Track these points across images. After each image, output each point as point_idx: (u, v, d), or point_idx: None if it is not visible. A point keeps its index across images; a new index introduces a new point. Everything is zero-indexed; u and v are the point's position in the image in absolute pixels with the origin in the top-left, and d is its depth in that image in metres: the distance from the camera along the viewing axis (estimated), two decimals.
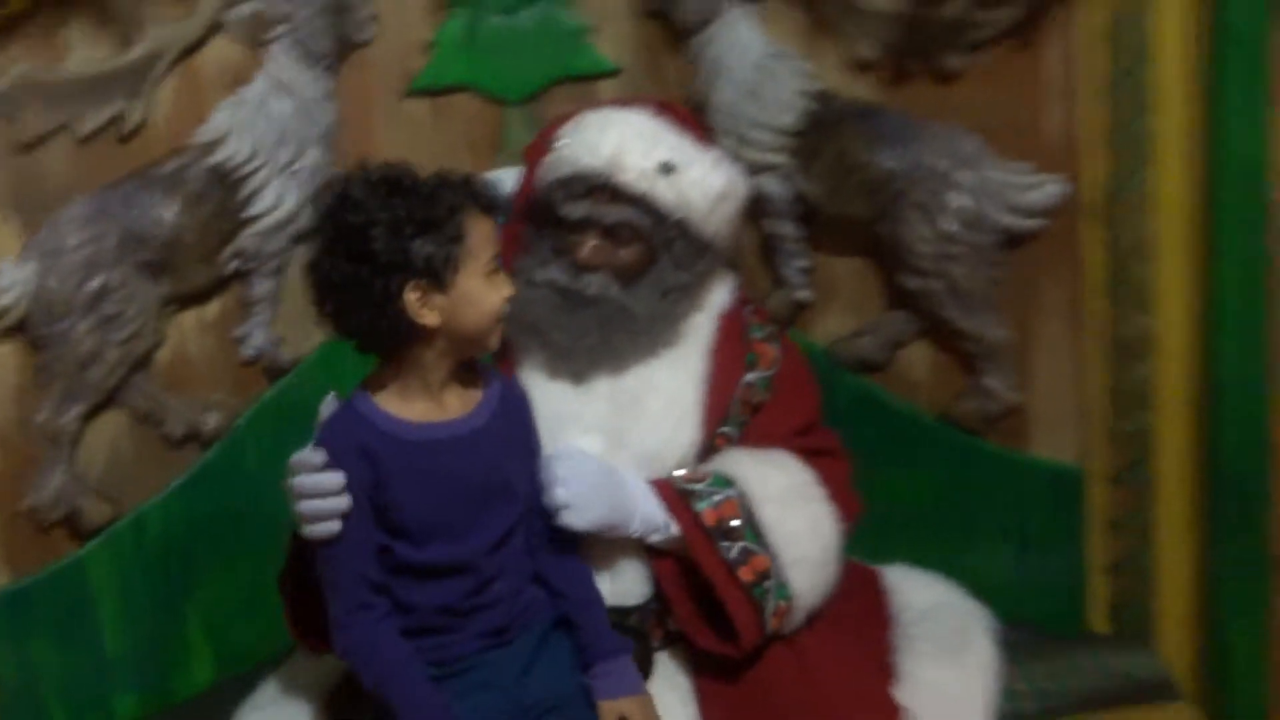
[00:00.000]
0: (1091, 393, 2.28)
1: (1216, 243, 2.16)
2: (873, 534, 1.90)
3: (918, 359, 2.38)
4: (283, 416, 2.43)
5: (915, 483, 2.37)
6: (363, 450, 1.55)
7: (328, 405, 1.64)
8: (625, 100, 1.98)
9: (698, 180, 1.88)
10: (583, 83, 2.42)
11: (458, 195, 1.59)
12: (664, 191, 1.83)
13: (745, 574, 1.74)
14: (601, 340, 1.86)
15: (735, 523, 1.75)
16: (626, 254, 1.87)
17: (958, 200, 2.32)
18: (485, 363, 1.69)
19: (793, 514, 1.81)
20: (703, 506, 1.75)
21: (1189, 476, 2.21)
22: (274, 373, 2.45)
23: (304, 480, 1.56)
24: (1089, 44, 2.21)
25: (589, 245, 1.85)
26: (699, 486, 1.76)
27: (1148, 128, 2.21)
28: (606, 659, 1.67)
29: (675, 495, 1.74)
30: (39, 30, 2.05)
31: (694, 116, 2.06)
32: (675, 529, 1.72)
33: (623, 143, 1.86)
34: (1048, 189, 2.33)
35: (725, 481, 1.77)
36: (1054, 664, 2.15)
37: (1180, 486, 2.23)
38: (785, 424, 1.93)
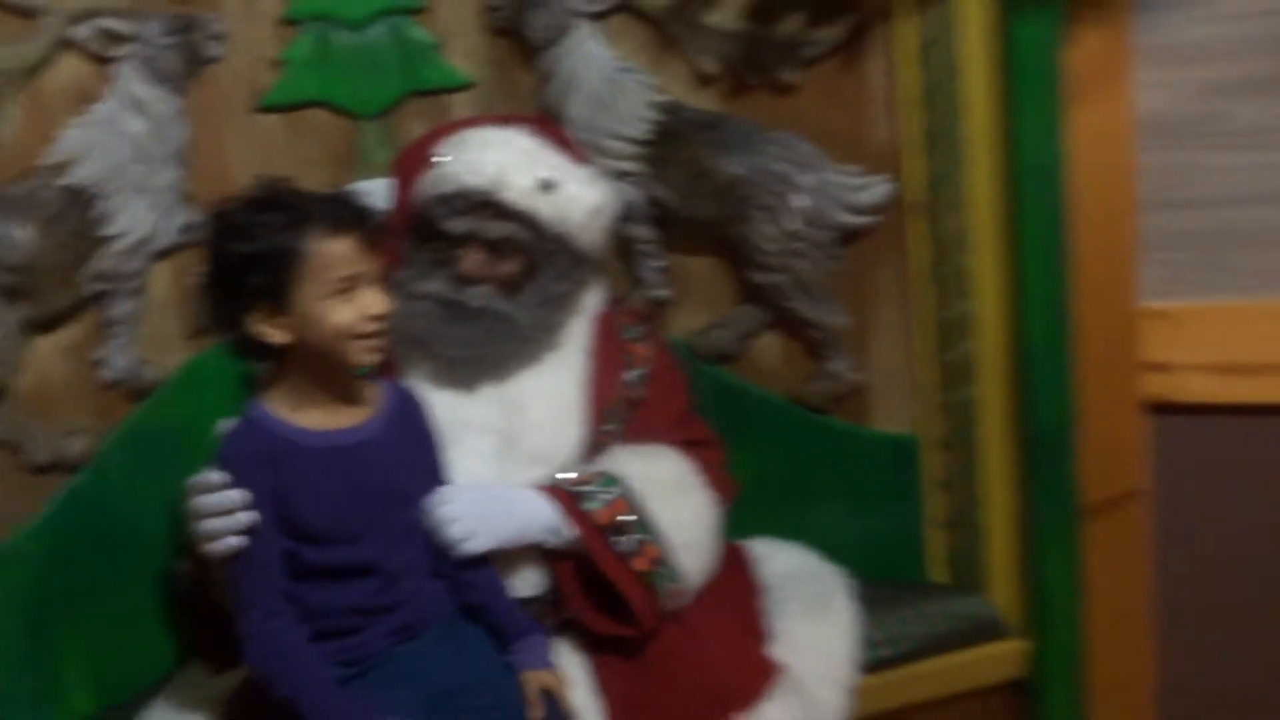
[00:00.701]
0: (922, 370, 1.96)
1: (1021, 233, 1.87)
2: (737, 511, 1.63)
3: (768, 348, 2.02)
4: (148, 438, 1.84)
5: (772, 461, 1.97)
6: (264, 457, 1.26)
7: (223, 425, 1.33)
8: (502, 118, 1.65)
9: (575, 196, 1.56)
10: (436, 96, 1.92)
11: (299, 219, 1.27)
12: (544, 208, 1.52)
13: (639, 564, 1.44)
14: (488, 350, 1.53)
15: (626, 518, 1.44)
16: (508, 267, 1.54)
17: (799, 201, 1.93)
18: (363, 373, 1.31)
19: (677, 504, 1.51)
20: (594, 506, 1.45)
21: (1008, 439, 1.91)
22: (137, 394, 1.87)
23: (206, 500, 1.25)
24: (906, 60, 1.90)
25: (472, 259, 1.52)
26: (589, 488, 1.46)
27: (959, 134, 1.87)
28: (524, 637, 1.39)
29: (568, 498, 1.43)
30: None
31: (567, 134, 1.77)
32: (572, 531, 1.43)
33: (505, 161, 1.53)
34: (877, 189, 1.97)
35: (613, 480, 1.47)
36: (902, 613, 1.84)
37: (1001, 448, 1.92)
38: (662, 417, 1.66)
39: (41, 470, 1.77)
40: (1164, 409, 1.83)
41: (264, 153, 1.79)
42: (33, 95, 1.70)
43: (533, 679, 1.30)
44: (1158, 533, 1.86)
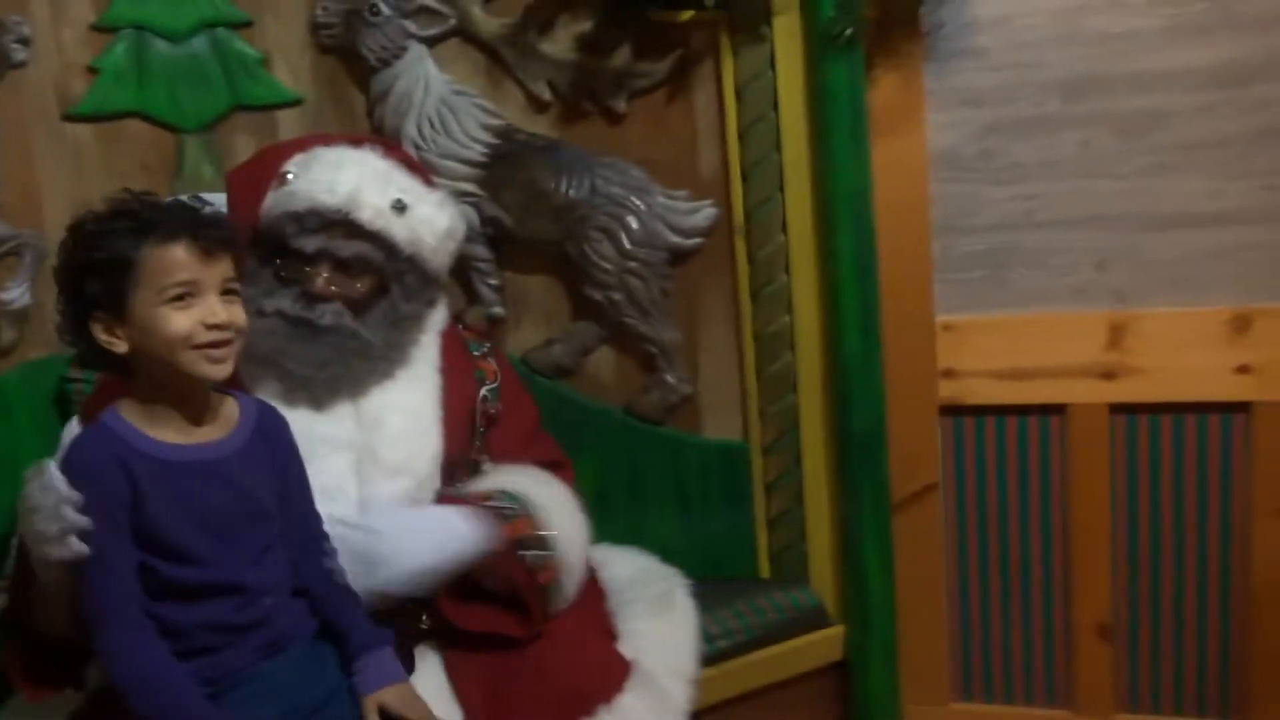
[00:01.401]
0: (748, 380, 1.56)
1: (835, 254, 1.50)
2: None
3: (603, 362, 1.57)
4: None
5: (610, 471, 1.54)
6: (119, 464, 0.92)
7: (71, 427, 1.05)
8: (353, 139, 1.25)
9: (427, 218, 1.19)
10: (262, 111, 1.40)
11: (136, 229, 0.93)
12: (398, 229, 1.15)
13: (543, 578, 1.14)
14: (342, 368, 1.16)
15: (530, 535, 1.12)
16: (358, 286, 1.16)
17: (634, 223, 1.49)
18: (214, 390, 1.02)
19: (565, 522, 1.19)
20: (501, 523, 1.11)
21: (826, 442, 1.55)
22: None
23: (41, 497, 0.89)
24: (728, 94, 1.49)
25: (323, 277, 1.14)
26: (494, 504, 1.11)
27: (777, 163, 1.50)
28: (364, 654, 1.02)
29: (488, 514, 1.09)
30: None
31: (415, 159, 1.34)
32: (491, 545, 1.08)
33: (360, 182, 1.14)
34: (704, 213, 1.53)
35: (514, 498, 1.14)
36: (735, 607, 1.48)
37: (820, 451, 1.55)
38: (519, 433, 1.28)
39: None
40: (954, 411, 1.58)
41: (75, 161, 1.33)
42: None
43: (369, 703, 0.99)
44: (949, 521, 1.62)
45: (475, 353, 1.28)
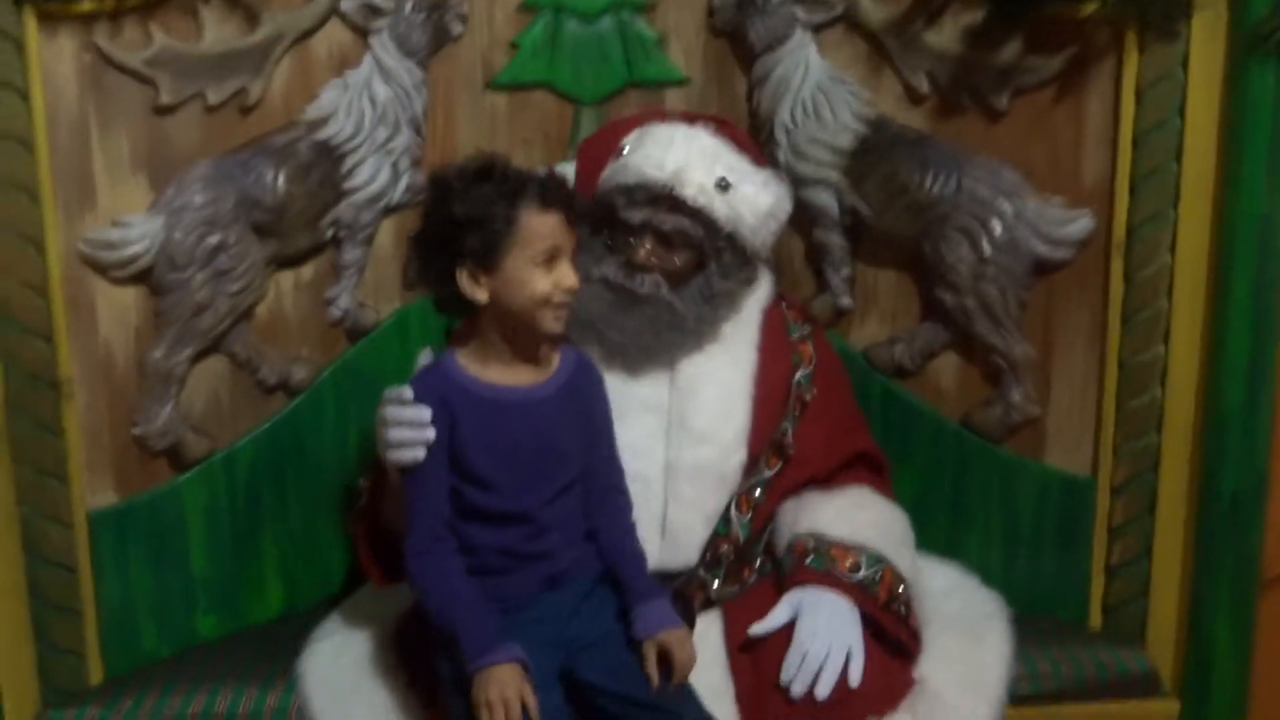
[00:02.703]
0: (1105, 411, 1.41)
1: (1226, 282, 1.33)
2: None
3: (946, 368, 1.49)
4: (360, 376, 1.50)
5: (933, 481, 1.46)
6: (443, 401, 1.05)
7: (424, 355, 1.16)
8: (689, 116, 1.28)
9: (749, 198, 1.20)
10: (652, 89, 1.48)
11: (515, 191, 1.03)
12: (719, 206, 1.18)
13: (913, 621, 1.19)
14: (652, 338, 1.19)
15: (897, 590, 1.17)
16: (678, 259, 1.19)
17: (998, 227, 1.40)
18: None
19: (908, 555, 1.23)
20: (875, 590, 1.16)
21: (1189, 494, 1.37)
22: (355, 334, 1.53)
23: (397, 411, 1.05)
24: (1128, 96, 1.35)
25: (644, 249, 1.19)
26: (863, 573, 1.16)
27: (1175, 175, 1.34)
28: (643, 601, 1.08)
29: (863, 597, 1.15)
30: (178, 9, 1.32)
31: (749, 136, 1.35)
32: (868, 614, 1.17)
33: (687, 159, 1.18)
34: (1078, 223, 1.41)
35: (877, 559, 1.17)
36: (1051, 651, 1.35)
37: (1180, 502, 1.38)
38: (832, 421, 1.27)
39: (269, 390, 1.50)
40: None
41: (489, 127, 1.49)
42: (300, 57, 1.45)
43: (649, 645, 1.04)
44: None
45: (794, 335, 1.27)
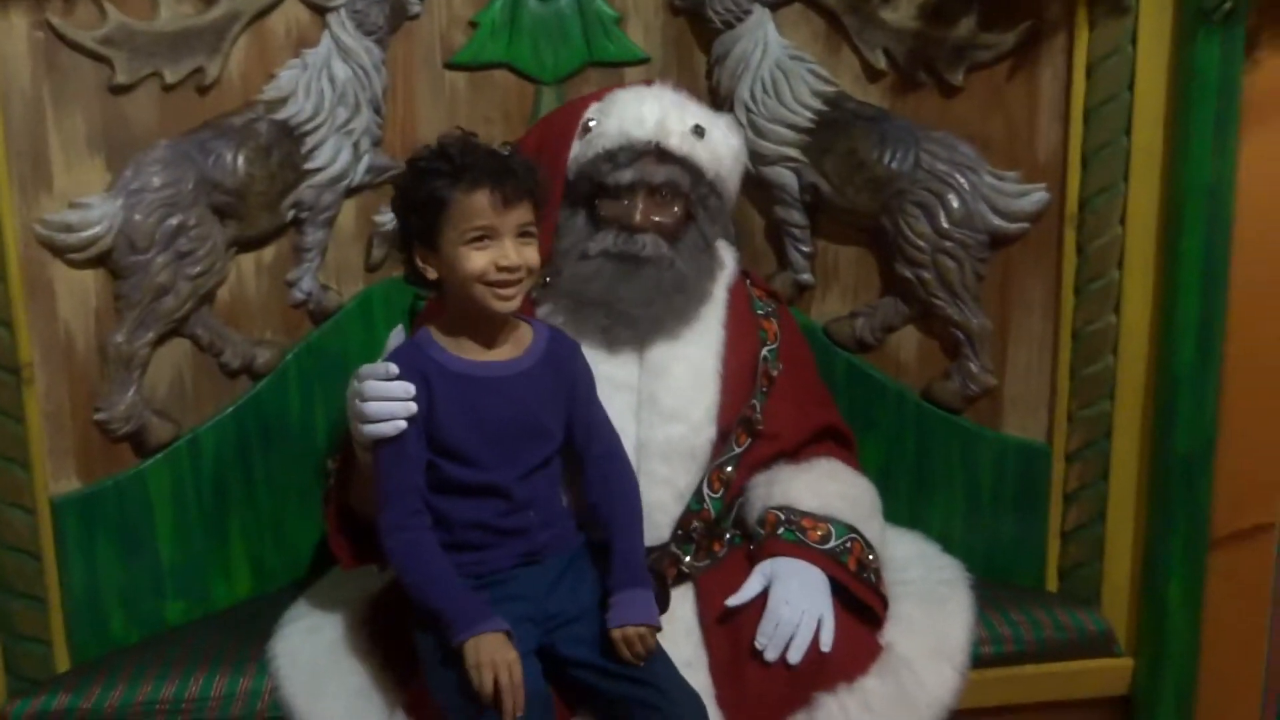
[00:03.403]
0: (1059, 379, 1.45)
1: (1178, 252, 1.37)
2: None
3: (906, 341, 1.53)
4: (323, 357, 1.50)
5: (897, 452, 1.50)
6: (422, 375, 1.07)
7: (396, 334, 1.13)
8: (645, 81, 1.32)
9: (721, 141, 1.26)
10: (612, 68, 1.48)
11: (449, 172, 1.06)
12: (700, 151, 1.23)
13: (882, 588, 1.23)
14: (664, 304, 1.22)
15: (869, 558, 1.22)
16: (669, 213, 1.22)
17: (954, 201, 1.44)
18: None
19: (876, 526, 1.27)
20: (846, 559, 1.20)
21: (1141, 458, 1.42)
22: (319, 316, 1.53)
23: (376, 385, 1.06)
24: (1080, 70, 1.39)
25: (639, 207, 1.20)
26: (832, 543, 1.19)
27: (1125, 148, 1.38)
28: (621, 590, 1.09)
29: (832, 565, 1.18)
30: None
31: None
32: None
33: (664, 112, 1.22)
34: (1033, 197, 1.45)
35: (845, 529, 1.21)
36: (1010, 614, 1.39)
37: (1133, 467, 1.42)
38: (795, 392, 1.31)
39: (233, 374, 1.50)
40: None
41: (449, 105, 1.49)
42: (258, 35, 1.44)
43: (616, 636, 1.05)
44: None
45: (760, 312, 1.31)
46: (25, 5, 1.25)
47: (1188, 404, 1.39)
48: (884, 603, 1.22)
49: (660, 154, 1.19)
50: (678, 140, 1.20)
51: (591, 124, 1.22)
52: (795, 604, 1.15)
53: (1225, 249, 1.37)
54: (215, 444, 1.48)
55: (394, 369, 1.06)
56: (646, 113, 1.20)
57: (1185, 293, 1.38)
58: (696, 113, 1.24)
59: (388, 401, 1.05)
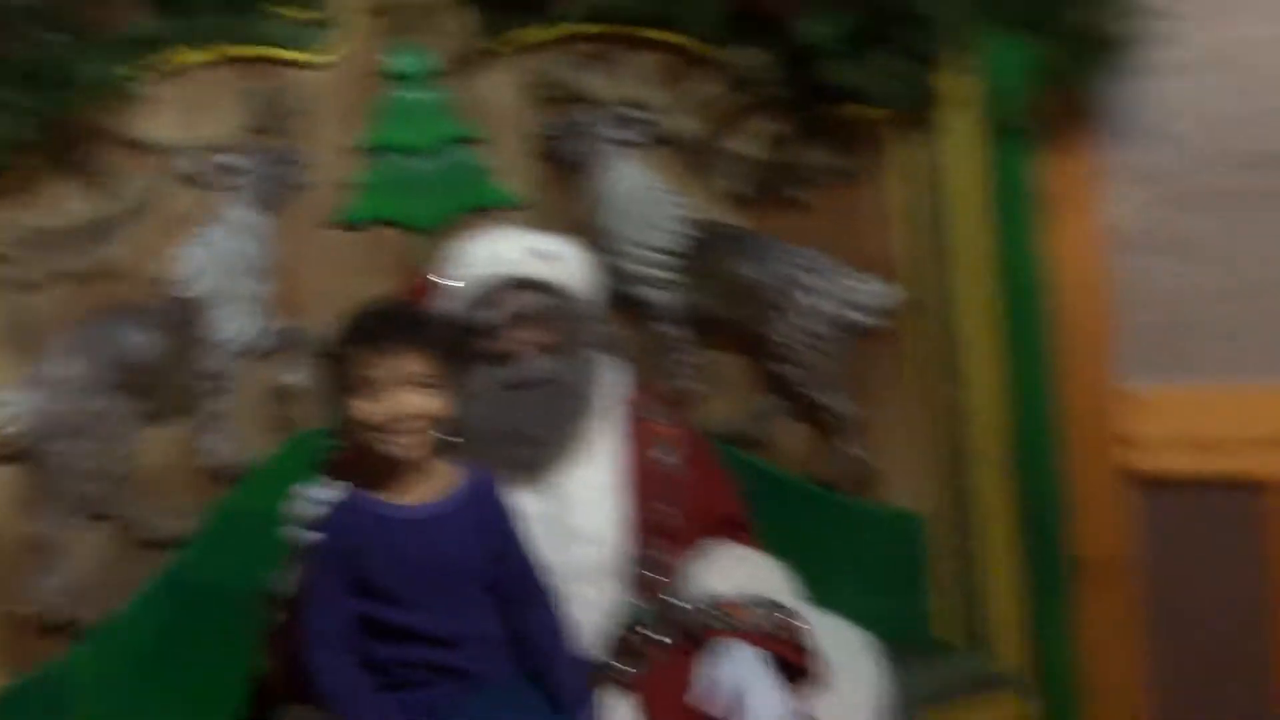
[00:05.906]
0: (926, 452, 1.66)
1: (1012, 334, 1.62)
2: None
3: (786, 431, 1.67)
4: (242, 516, 1.54)
5: (790, 533, 1.55)
6: (345, 520, 1.11)
7: (311, 486, 1.18)
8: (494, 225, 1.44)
9: (574, 261, 1.32)
10: (492, 214, 1.63)
11: (344, 333, 1.14)
12: (559, 274, 1.28)
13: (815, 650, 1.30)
14: (566, 422, 1.27)
15: (795, 626, 1.30)
16: (545, 334, 1.27)
17: (815, 303, 1.64)
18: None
19: (792, 598, 1.37)
20: (777, 631, 1.29)
21: (1004, 511, 1.62)
22: (232, 478, 1.59)
23: (306, 503, 1.14)
24: (910, 183, 1.63)
25: (515, 336, 1.26)
26: (760, 619, 1.29)
27: (952, 247, 1.62)
28: (564, 713, 1.12)
29: (770, 643, 1.27)
30: (30, 185, 1.39)
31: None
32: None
33: (515, 246, 1.29)
34: (883, 293, 1.67)
35: (775, 605, 1.30)
36: (910, 668, 1.50)
37: (999, 523, 1.62)
38: (721, 499, 1.40)
39: (149, 545, 1.55)
40: (1146, 483, 1.62)
41: (335, 263, 1.61)
42: (157, 218, 1.52)
43: None
44: (1145, 598, 1.65)
45: (656, 419, 1.34)
46: None
47: (1034, 464, 1.61)
48: (821, 663, 1.27)
49: (520, 284, 1.24)
50: (535, 267, 1.25)
51: (451, 281, 1.27)
52: (733, 680, 1.19)
53: (1047, 321, 1.61)
54: (135, 619, 1.49)
55: (323, 492, 1.12)
56: (501, 252, 1.26)
57: (1023, 371, 1.61)
58: (544, 240, 1.29)
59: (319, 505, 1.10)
